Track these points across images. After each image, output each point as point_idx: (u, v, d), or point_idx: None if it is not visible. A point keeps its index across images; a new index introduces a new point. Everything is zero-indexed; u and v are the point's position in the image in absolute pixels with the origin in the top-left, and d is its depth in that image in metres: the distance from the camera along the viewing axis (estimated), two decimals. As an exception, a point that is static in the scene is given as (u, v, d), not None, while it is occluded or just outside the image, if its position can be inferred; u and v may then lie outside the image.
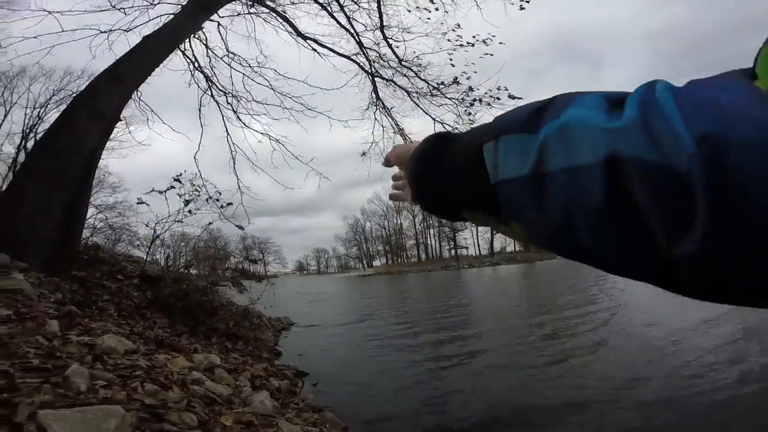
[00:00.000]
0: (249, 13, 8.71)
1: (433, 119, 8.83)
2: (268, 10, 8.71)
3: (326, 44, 9.03)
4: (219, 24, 8.47)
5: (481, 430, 3.25)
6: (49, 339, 2.30)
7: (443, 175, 0.41)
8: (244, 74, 8.92)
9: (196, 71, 8.64)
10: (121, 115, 5.99)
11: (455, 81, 8.34)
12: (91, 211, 10.91)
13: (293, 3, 8.68)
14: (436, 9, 8.23)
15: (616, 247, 0.27)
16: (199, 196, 6.47)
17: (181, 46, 7.68)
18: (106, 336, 2.69)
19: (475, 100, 8.35)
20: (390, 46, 8.80)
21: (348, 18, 8.75)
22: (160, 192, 6.03)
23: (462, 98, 8.47)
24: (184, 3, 7.02)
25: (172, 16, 6.92)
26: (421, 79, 8.75)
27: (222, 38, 8.78)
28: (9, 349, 1.93)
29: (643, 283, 0.29)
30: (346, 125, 9.48)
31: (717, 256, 0.21)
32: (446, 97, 8.66)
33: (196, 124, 8.64)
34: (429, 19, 8.30)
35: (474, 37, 8.11)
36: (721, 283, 0.23)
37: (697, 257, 0.22)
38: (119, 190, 20.58)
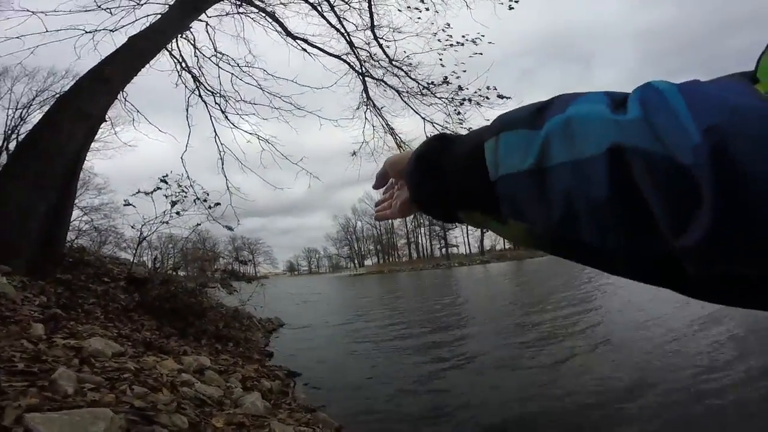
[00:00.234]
0: (238, 13, 8.64)
1: (423, 119, 8.88)
2: (257, 10, 8.65)
3: (316, 44, 9.02)
4: (207, 24, 8.39)
5: (475, 429, 3.26)
6: (34, 342, 2.26)
7: (442, 174, 0.41)
8: (232, 74, 8.86)
9: (184, 71, 8.55)
10: (107, 116, 5.90)
11: (445, 81, 8.39)
12: (76, 213, 10.71)
13: (283, 3, 8.64)
14: (427, 9, 8.27)
15: (618, 241, 0.27)
16: (186, 197, 6.40)
17: (168, 46, 7.59)
18: (92, 339, 2.66)
19: (464, 99, 8.41)
20: (381, 45, 8.82)
21: (338, 18, 8.75)
22: (147, 193, 5.94)
23: (452, 98, 8.53)
24: (172, 3, 6.94)
25: (159, 16, 6.83)
26: (411, 78, 8.80)
27: (210, 38, 8.70)
28: (-7, 353, 1.90)
29: (640, 283, 0.29)
30: (337, 124, 9.48)
31: (722, 245, 0.21)
32: (436, 97, 8.71)
33: (184, 124, 8.57)
34: (419, 19, 8.34)
35: (464, 36, 8.18)
36: (726, 278, 0.23)
37: (702, 247, 0.22)
38: (105, 191, 20.18)
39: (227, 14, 8.60)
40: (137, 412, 1.79)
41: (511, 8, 8.12)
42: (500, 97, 7.96)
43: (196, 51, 8.53)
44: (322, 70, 9.34)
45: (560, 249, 0.32)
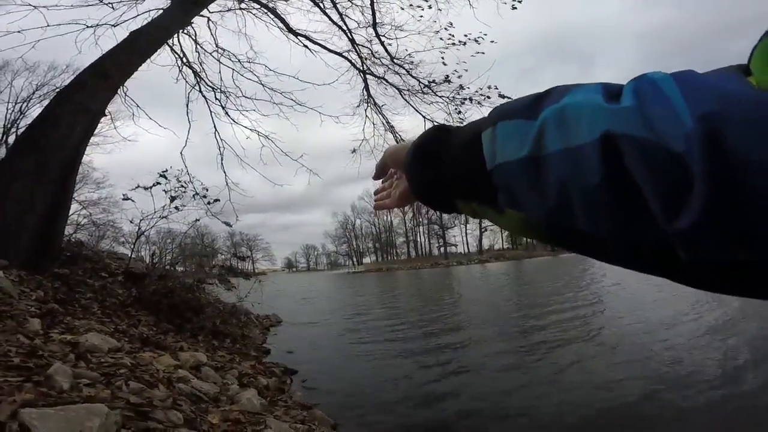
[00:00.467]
0: (239, 8, 8.61)
1: (424, 117, 8.87)
2: (258, 6, 8.62)
3: (318, 41, 8.98)
4: (209, 19, 8.35)
5: (471, 428, 3.26)
6: (30, 337, 2.26)
7: (441, 164, 0.42)
8: (233, 70, 8.83)
9: (185, 66, 8.52)
10: (107, 110, 5.88)
11: (446, 79, 8.37)
12: (74, 207, 10.68)
13: (285, -1, 8.61)
14: (429, 7, 8.25)
15: (612, 227, 0.27)
16: (185, 192, 6.40)
17: (170, 41, 7.55)
18: (89, 334, 2.66)
19: (465, 98, 8.39)
20: (382, 43, 8.80)
21: (340, 15, 8.71)
22: (146, 188, 5.94)
23: (453, 97, 8.51)
24: (173, -3, 6.90)
25: (160, 11, 6.80)
26: (412, 76, 8.77)
27: (211, 33, 8.67)
28: (-11, 347, 1.89)
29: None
30: (337, 121, 9.46)
31: (715, 229, 0.22)
32: (437, 96, 8.69)
33: (183, 119, 8.57)
34: (422, 17, 8.32)
35: (466, 35, 8.17)
36: (719, 264, 0.23)
37: (694, 231, 0.22)
38: (104, 185, 20.10)
39: (229, 10, 8.57)
40: (133, 407, 1.80)
41: (514, 8, 8.11)
42: (501, 96, 7.94)
43: (198, 46, 8.51)
44: (323, 67, 9.32)
45: (556, 238, 0.33)
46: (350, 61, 9.22)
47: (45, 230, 4.59)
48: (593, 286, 12.09)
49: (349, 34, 8.90)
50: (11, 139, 17.62)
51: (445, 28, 8.25)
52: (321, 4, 8.63)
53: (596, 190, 0.26)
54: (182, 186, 6.40)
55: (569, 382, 4.02)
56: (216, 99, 8.85)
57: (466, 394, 3.94)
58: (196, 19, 7.69)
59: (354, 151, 9.36)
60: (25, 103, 18.83)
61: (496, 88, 8.00)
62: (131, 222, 6.27)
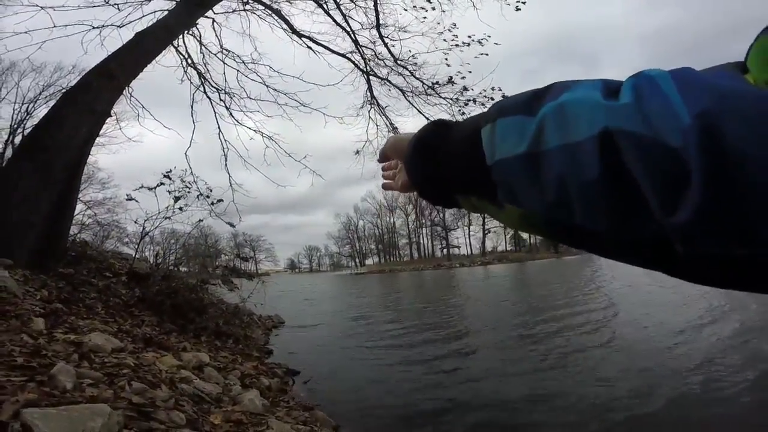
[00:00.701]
0: (244, 9, 8.64)
1: (427, 119, 8.84)
2: (263, 7, 8.65)
3: (321, 42, 9.00)
4: (213, 20, 8.39)
5: (475, 430, 3.24)
6: (34, 337, 2.26)
7: (440, 159, 0.42)
8: (238, 71, 8.86)
9: (189, 67, 8.55)
10: (112, 111, 5.91)
11: (450, 81, 8.36)
12: (79, 207, 10.75)
13: (288, 1, 8.64)
14: (433, 8, 8.24)
15: (610, 223, 0.27)
16: (189, 192, 6.42)
17: (175, 42, 7.59)
18: (93, 334, 2.66)
19: (469, 100, 8.38)
20: (386, 44, 8.80)
21: (344, 16, 8.73)
22: (150, 188, 5.96)
23: (456, 98, 8.50)
24: (179, -1, 6.94)
25: (166, 12, 6.84)
26: (416, 78, 8.77)
27: (216, 35, 8.75)
28: (-7, 346, 1.90)
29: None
30: (341, 122, 9.48)
31: (712, 224, 0.22)
32: (441, 97, 8.68)
33: (188, 120, 8.57)
34: (425, 18, 8.31)
35: (470, 37, 8.15)
36: (716, 259, 0.23)
37: (692, 225, 0.22)
38: (109, 186, 20.25)
39: (234, 11, 8.60)
40: (135, 408, 1.80)
41: (518, 9, 8.08)
42: (505, 98, 7.92)
43: (202, 47, 8.55)
44: (327, 68, 9.34)
45: (555, 233, 0.33)
46: (354, 63, 9.24)
47: (50, 230, 4.62)
48: (604, 288, 11.96)
49: (352, 36, 8.92)
50: (18, 139, 17.77)
51: (449, 30, 8.25)
52: (325, 6, 8.65)
53: (595, 185, 0.27)
54: (186, 186, 6.42)
55: (579, 394, 3.80)
56: (220, 100, 8.90)
57: (470, 397, 3.91)
58: (201, 21, 7.73)
59: (357, 152, 9.39)
60: (32, 104, 19.01)
61: (500, 90, 8.00)
62: (135, 222, 6.29)
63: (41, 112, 16.54)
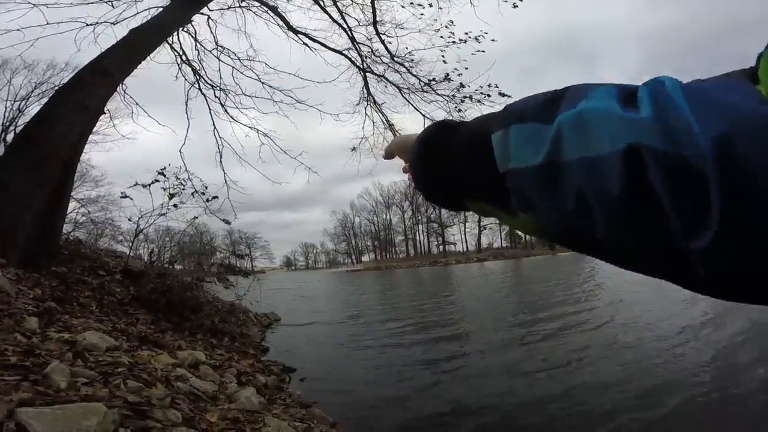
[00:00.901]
0: (239, 6, 8.57)
1: (423, 115, 8.87)
2: (259, 4, 8.59)
3: (318, 39, 8.96)
4: (208, 17, 8.32)
5: (470, 427, 3.25)
6: (28, 336, 2.25)
7: (446, 162, 0.41)
8: (233, 68, 8.81)
9: (184, 64, 8.49)
10: (106, 108, 5.86)
11: (447, 78, 8.36)
12: (73, 205, 10.67)
13: (285, -4, 8.58)
14: (430, 5, 8.23)
15: (632, 237, 0.27)
16: (184, 189, 6.39)
17: (169, 39, 7.52)
18: (87, 333, 2.65)
19: (465, 96, 8.39)
20: (383, 41, 8.78)
21: (341, 13, 8.69)
22: (144, 186, 5.92)
23: (453, 95, 8.51)
24: (173, -5, 6.86)
25: (160, 9, 6.77)
26: (412, 75, 8.77)
27: (211, 31, 8.64)
28: (-14, 346, 1.88)
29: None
30: (337, 119, 9.46)
31: (731, 248, 0.22)
32: (437, 94, 8.69)
33: (182, 117, 8.53)
34: (422, 15, 8.30)
35: (467, 34, 8.16)
36: (738, 280, 0.23)
37: (711, 249, 0.22)
38: (102, 183, 20.16)
39: (229, 8, 8.54)
40: (131, 406, 1.79)
41: (515, 6, 8.09)
42: (502, 95, 7.95)
43: (197, 44, 8.48)
44: (323, 65, 9.33)
45: (572, 242, 0.33)
46: (350, 59, 9.21)
47: (43, 228, 4.57)
48: (602, 285, 12.02)
49: (349, 32, 8.89)
50: (10, 137, 17.57)
51: (446, 27, 8.25)
52: (321, 2, 8.61)
53: (618, 200, 0.26)
54: (181, 183, 6.39)
55: (581, 396, 3.71)
56: (215, 97, 8.85)
57: (468, 395, 3.92)
58: (196, 17, 7.67)
59: (354, 149, 9.39)
60: (24, 102, 18.84)
61: (497, 87, 8.01)
62: (129, 220, 6.26)
63: (34, 109, 16.40)
